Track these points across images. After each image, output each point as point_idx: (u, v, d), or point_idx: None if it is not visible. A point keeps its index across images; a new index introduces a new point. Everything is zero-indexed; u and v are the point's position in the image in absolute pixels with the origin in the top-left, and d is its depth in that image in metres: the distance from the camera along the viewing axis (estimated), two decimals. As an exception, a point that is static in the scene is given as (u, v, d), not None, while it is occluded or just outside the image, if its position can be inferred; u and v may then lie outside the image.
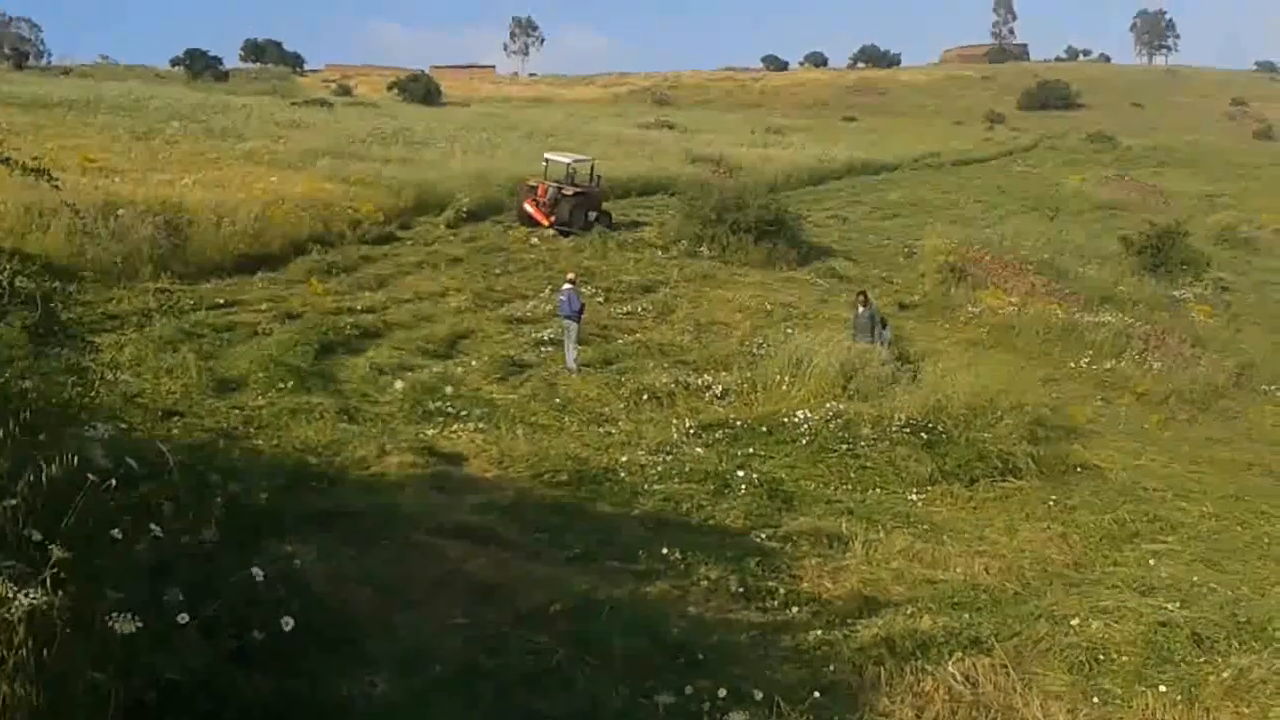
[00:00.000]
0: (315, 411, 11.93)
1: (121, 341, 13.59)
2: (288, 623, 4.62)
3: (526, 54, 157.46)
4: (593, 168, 29.12)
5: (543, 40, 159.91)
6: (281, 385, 12.83)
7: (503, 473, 11.17)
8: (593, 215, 27.31)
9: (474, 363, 15.66)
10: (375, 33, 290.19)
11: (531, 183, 27.75)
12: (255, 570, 4.91)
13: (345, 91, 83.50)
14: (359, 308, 17.96)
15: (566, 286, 16.71)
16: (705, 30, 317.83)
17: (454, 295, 19.84)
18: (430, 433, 12.16)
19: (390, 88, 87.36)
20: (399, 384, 13.72)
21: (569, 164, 28.37)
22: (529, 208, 27.00)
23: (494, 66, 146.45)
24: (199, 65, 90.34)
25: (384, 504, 9.08)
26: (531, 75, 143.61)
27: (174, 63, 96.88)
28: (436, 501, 9.62)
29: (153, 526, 4.60)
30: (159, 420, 10.64)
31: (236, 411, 11.71)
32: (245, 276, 19.31)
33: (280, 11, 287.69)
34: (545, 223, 26.63)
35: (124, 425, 7.79)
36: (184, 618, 4.52)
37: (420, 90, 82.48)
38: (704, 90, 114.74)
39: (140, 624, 3.96)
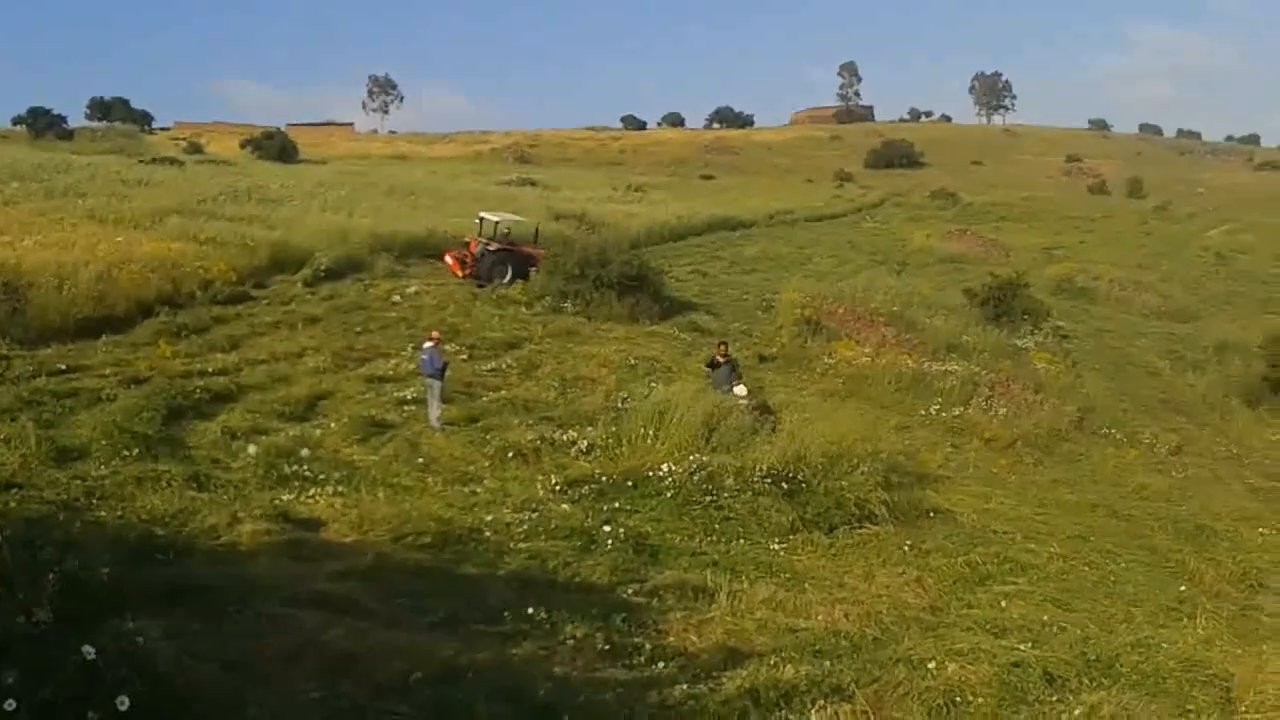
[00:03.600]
0: (162, 480, 11.51)
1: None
2: (123, 703, 4.38)
3: (386, 112, 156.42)
4: (537, 230, 32.10)
5: (402, 98, 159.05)
6: (126, 453, 12.36)
7: (362, 537, 10.91)
8: (532, 270, 28.47)
9: (333, 424, 15.32)
10: (228, 90, 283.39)
11: (466, 239, 29.95)
12: (87, 649, 4.65)
13: (196, 149, 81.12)
14: (210, 370, 17.40)
15: (428, 344, 16.56)
16: (565, 90, 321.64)
17: (312, 355, 19.38)
18: (286, 498, 11.83)
19: (244, 145, 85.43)
20: (252, 448, 13.32)
21: (497, 222, 30.51)
22: (449, 259, 29.01)
23: (353, 124, 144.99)
24: (42, 124, 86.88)
25: (235, 574, 8.75)
26: (392, 133, 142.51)
27: (16, 121, 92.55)
28: (291, 570, 9.31)
29: (-21, 608, 4.33)
30: (-8, 494, 10.05)
31: (78, 482, 11.20)
32: (89, 340, 18.55)
33: (128, 69, 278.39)
34: (460, 274, 28.22)
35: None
36: (11, 704, 4.24)
37: (275, 148, 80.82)
38: (565, 148, 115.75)
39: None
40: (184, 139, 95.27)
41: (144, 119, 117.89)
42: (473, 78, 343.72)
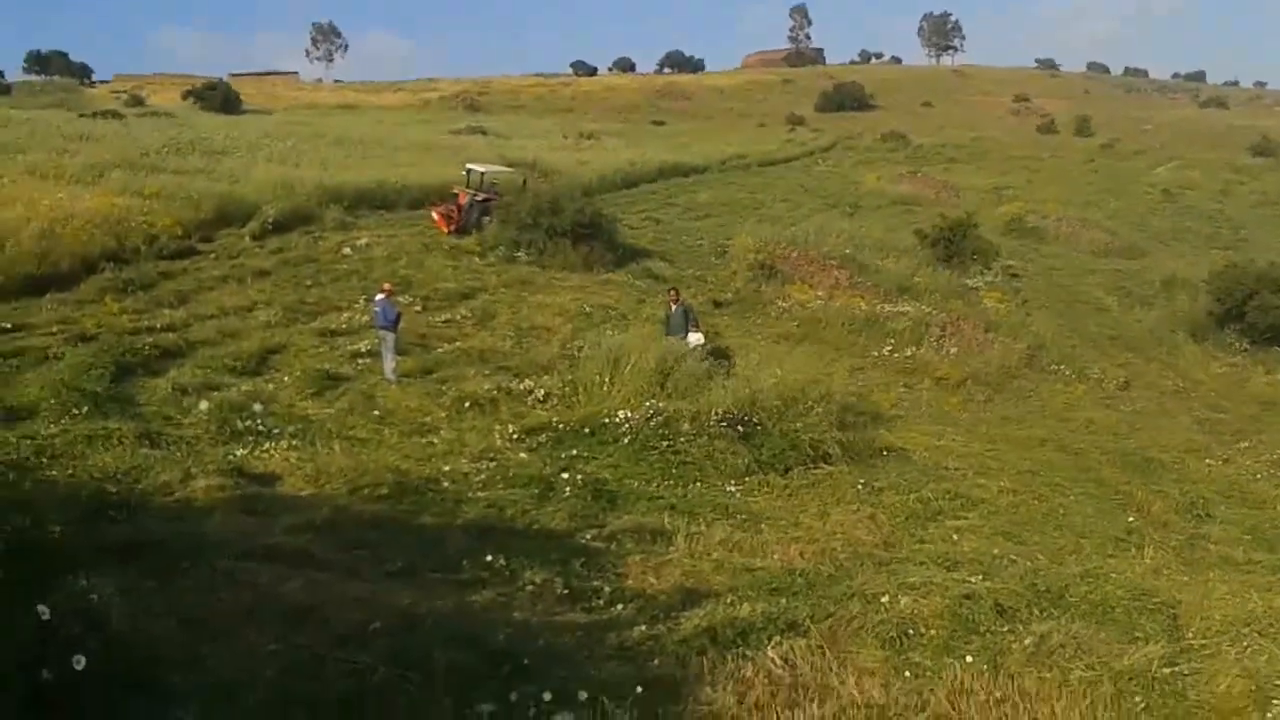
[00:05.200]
0: (113, 437, 11.32)
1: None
2: (79, 661, 4.36)
3: (330, 60, 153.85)
4: (524, 181, 31.42)
5: (346, 46, 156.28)
6: (76, 411, 12.15)
7: (318, 490, 10.86)
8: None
9: (286, 378, 15.16)
10: (168, 41, 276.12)
11: (455, 190, 29.75)
12: (41, 608, 4.61)
13: (138, 101, 79.12)
14: (158, 326, 17.15)
15: (380, 296, 16.40)
16: (514, 37, 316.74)
17: (262, 309, 19.11)
18: (240, 453, 11.72)
19: (186, 96, 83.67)
20: (204, 404, 13.14)
21: (484, 173, 30.47)
22: (435, 215, 28.32)
23: (297, 73, 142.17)
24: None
25: (189, 531, 8.66)
26: (337, 81, 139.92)
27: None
28: (247, 525, 9.25)
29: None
30: (-62, 456, 9.88)
31: (27, 441, 10.97)
32: (33, 298, 18.19)
33: (66, 21, 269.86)
34: (446, 230, 27.48)
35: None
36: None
37: (218, 98, 79.26)
38: (515, 96, 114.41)
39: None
40: (125, 92, 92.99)
41: (83, 72, 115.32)
42: (420, 24, 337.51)
